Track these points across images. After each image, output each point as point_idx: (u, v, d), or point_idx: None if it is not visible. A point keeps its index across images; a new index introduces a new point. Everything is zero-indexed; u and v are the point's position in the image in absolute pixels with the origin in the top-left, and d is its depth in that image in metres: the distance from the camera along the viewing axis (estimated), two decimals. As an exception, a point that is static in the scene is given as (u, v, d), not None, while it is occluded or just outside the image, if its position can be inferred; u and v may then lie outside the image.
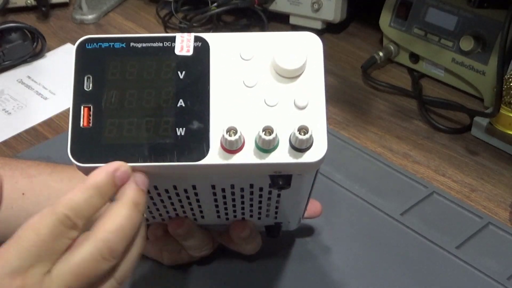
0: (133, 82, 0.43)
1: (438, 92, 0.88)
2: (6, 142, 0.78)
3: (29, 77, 0.90)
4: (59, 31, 1.01)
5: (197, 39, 0.44)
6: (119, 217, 0.40)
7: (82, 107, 0.43)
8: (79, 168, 0.42)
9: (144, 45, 0.44)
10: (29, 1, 1.04)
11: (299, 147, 0.41)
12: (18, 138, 0.79)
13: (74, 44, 0.43)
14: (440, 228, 0.65)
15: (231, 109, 0.42)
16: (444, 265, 0.61)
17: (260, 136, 0.41)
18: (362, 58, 0.93)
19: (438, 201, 0.69)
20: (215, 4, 0.96)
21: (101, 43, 0.44)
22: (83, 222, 0.40)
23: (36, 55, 0.93)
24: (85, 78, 0.43)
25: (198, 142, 0.42)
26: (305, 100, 0.42)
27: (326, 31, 1.00)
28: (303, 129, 0.41)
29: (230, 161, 0.42)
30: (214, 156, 0.42)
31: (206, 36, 0.44)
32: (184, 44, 0.44)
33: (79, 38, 0.44)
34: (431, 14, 0.86)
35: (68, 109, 0.42)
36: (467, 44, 0.81)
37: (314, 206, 0.61)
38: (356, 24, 1.02)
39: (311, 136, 0.41)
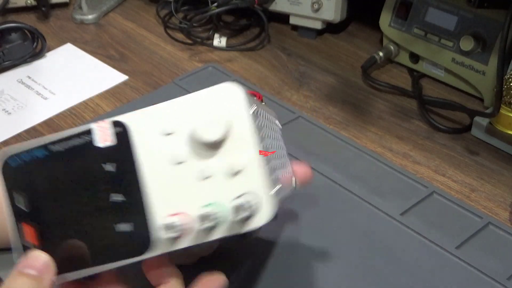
0: (65, 190, 0.41)
1: (438, 92, 0.88)
2: (6, 142, 0.78)
3: (29, 77, 0.90)
4: (59, 31, 1.00)
5: (115, 124, 0.41)
6: None
7: (22, 226, 0.42)
8: None
9: (65, 146, 0.42)
10: (29, 1, 1.04)
11: (242, 218, 0.40)
12: (18, 138, 0.79)
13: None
14: (440, 228, 0.65)
15: (166, 191, 0.41)
16: (444, 265, 0.61)
17: (201, 224, 0.40)
18: (362, 58, 0.93)
19: (438, 201, 0.69)
20: (215, 4, 0.96)
21: (24, 158, 0.42)
22: None
23: (36, 55, 0.93)
24: (16, 197, 0.42)
25: (140, 235, 0.40)
26: (239, 164, 0.40)
27: (326, 31, 1.00)
28: (241, 197, 0.40)
29: (176, 246, 0.41)
30: (159, 247, 0.41)
31: (123, 118, 0.42)
32: (103, 133, 0.41)
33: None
34: (431, 14, 0.86)
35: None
36: (467, 44, 0.81)
37: (303, 171, 0.54)
38: (356, 24, 1.02)
39: (250, 203, 0.39)
